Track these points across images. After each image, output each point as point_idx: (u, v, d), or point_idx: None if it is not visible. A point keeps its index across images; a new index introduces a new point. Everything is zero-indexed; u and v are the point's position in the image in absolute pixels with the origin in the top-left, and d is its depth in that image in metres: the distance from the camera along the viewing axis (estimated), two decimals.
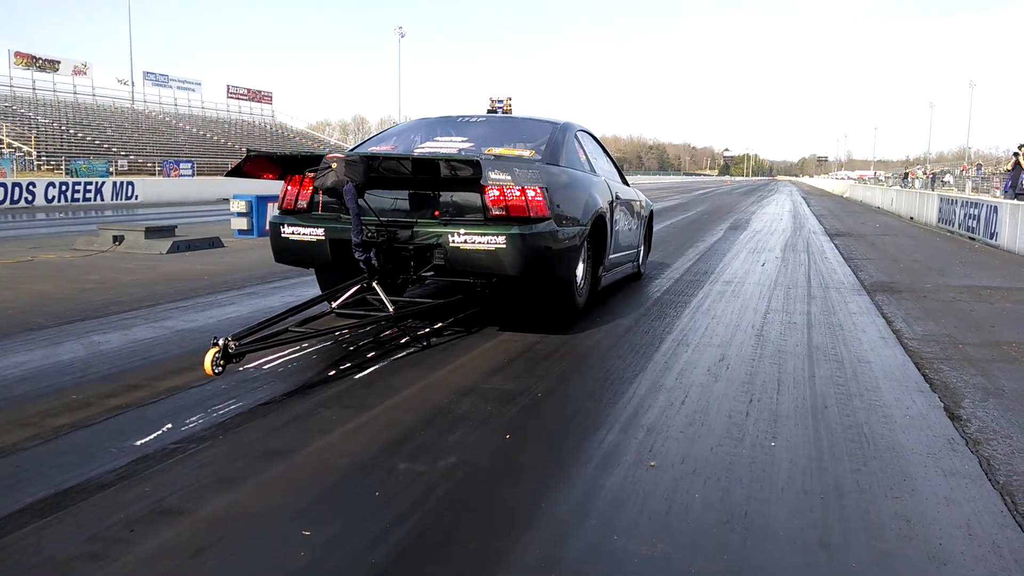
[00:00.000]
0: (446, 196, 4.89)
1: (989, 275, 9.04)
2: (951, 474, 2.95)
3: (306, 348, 4.73)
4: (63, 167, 35.54)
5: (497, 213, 4.68)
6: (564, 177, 5.35)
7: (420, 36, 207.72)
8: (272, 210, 8.40)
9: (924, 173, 59.72)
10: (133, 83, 58.93)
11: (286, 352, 4.58)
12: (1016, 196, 15.77)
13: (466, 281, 5.15)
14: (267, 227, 6.24)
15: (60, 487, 2.65)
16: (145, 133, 51.01)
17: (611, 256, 6.32)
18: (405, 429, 3.34)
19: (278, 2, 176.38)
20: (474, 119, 6.30)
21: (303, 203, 5.14)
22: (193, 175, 39.47)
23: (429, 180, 4.81)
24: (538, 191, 4.69)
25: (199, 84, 65.32)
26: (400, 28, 67.67)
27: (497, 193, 4.66)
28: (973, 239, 13.96)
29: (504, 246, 4.56)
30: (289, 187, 5.19)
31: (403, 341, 4.92)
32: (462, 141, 5.78)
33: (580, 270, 5.44)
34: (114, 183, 27.26)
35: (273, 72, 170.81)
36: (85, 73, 54.76)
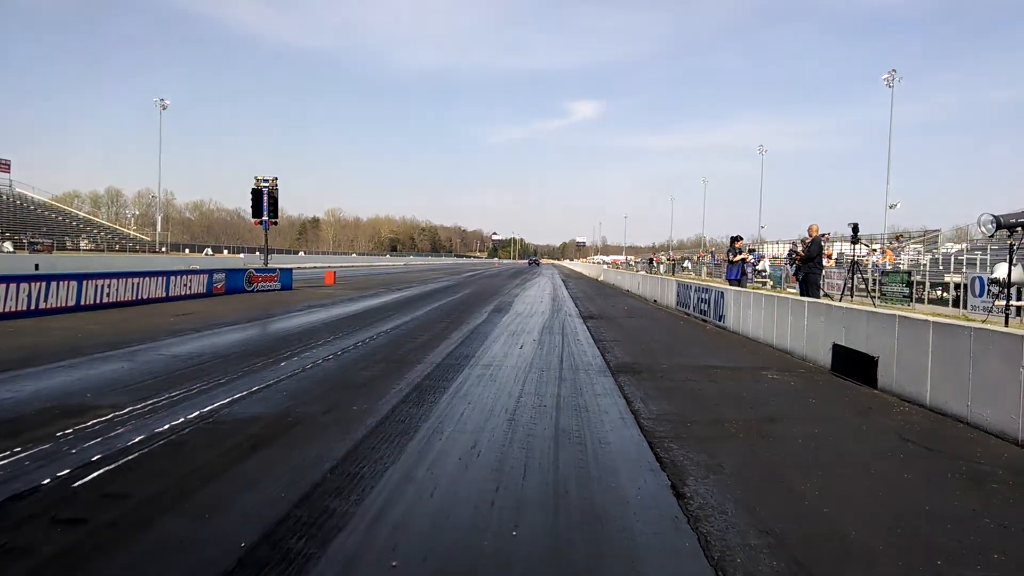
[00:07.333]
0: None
1: (717, 355, 10.02)
2: (673, 552, 3.17)
3: (18, 453, 4.18)
4: None
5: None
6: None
7: (182, 107, 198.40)
8: None
9: (668, 259, 65.97)
10: None
11: None
12: (737, 283, 17.79)
13: None
14: None
15: None
16: None
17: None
18: (119, 549, 3.02)
19: (22, 66, 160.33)
20: (529, 256, 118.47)
21: None
22: None
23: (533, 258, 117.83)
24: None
25: None
26: (162, 100, 64.70)
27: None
28: (706, 321, 15.49)
29: None
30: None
31: (138, 438, 4.50)
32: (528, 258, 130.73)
33: None
34: None
35: (12, 139, 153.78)
36: None
